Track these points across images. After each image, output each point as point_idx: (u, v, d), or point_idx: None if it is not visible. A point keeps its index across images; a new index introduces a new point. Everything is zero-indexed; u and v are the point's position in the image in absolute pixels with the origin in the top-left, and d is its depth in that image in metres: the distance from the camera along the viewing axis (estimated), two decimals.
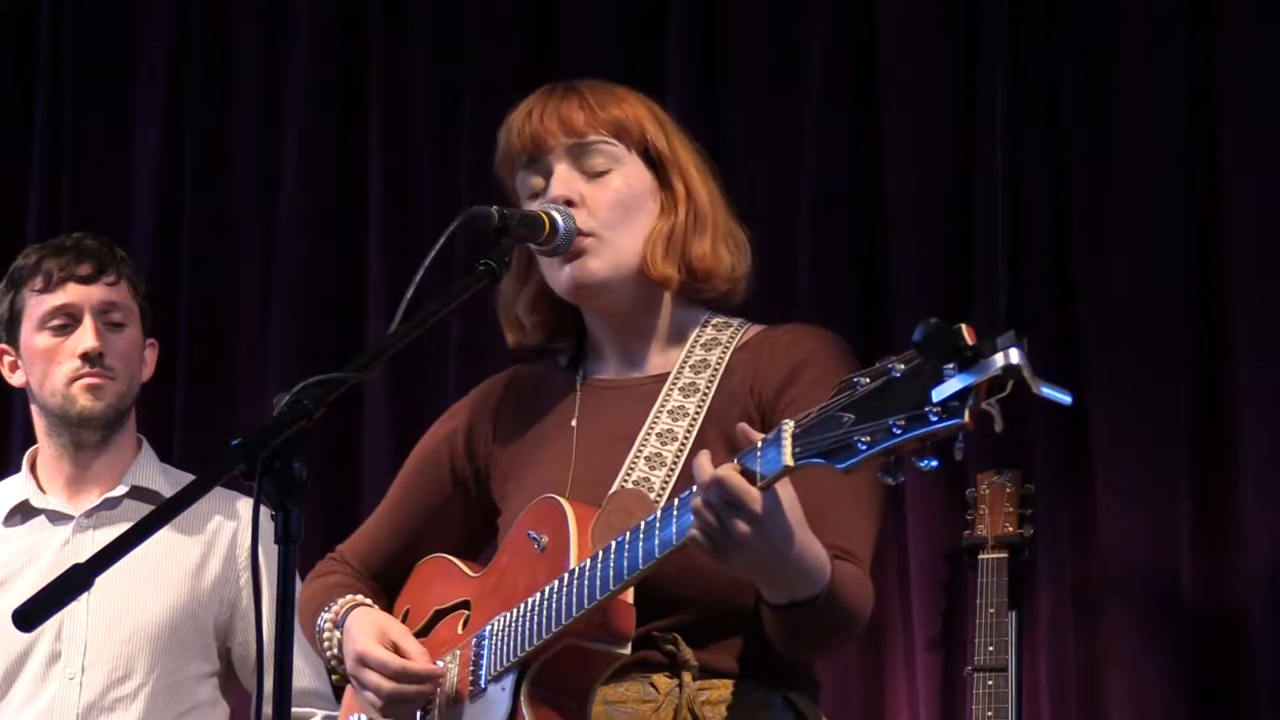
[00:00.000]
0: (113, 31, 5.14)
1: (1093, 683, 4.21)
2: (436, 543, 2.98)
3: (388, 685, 2.77)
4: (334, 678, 2.92)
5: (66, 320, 3.75)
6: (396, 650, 2.79)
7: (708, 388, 2.79)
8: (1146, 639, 4.18)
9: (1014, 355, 2.14)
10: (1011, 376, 2.15)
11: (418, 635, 2.87)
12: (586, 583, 2.57)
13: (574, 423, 2.85)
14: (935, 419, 2.20)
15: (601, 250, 2.79)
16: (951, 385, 2.18)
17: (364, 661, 2.79)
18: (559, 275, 2.82)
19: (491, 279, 2.73)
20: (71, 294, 3.75)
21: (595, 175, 2.82)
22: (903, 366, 2.25)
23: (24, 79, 5.17)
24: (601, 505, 2.69)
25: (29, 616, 2.33)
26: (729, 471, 2.40)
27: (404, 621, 2.91)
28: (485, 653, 2.72)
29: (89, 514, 3.79)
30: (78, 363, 3.73)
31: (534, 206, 2.82)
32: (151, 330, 3.90)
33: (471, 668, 2.73)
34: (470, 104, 4.84)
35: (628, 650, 2.62)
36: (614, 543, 2.56)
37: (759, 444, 2.40)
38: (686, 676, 2.66)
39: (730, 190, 4.50)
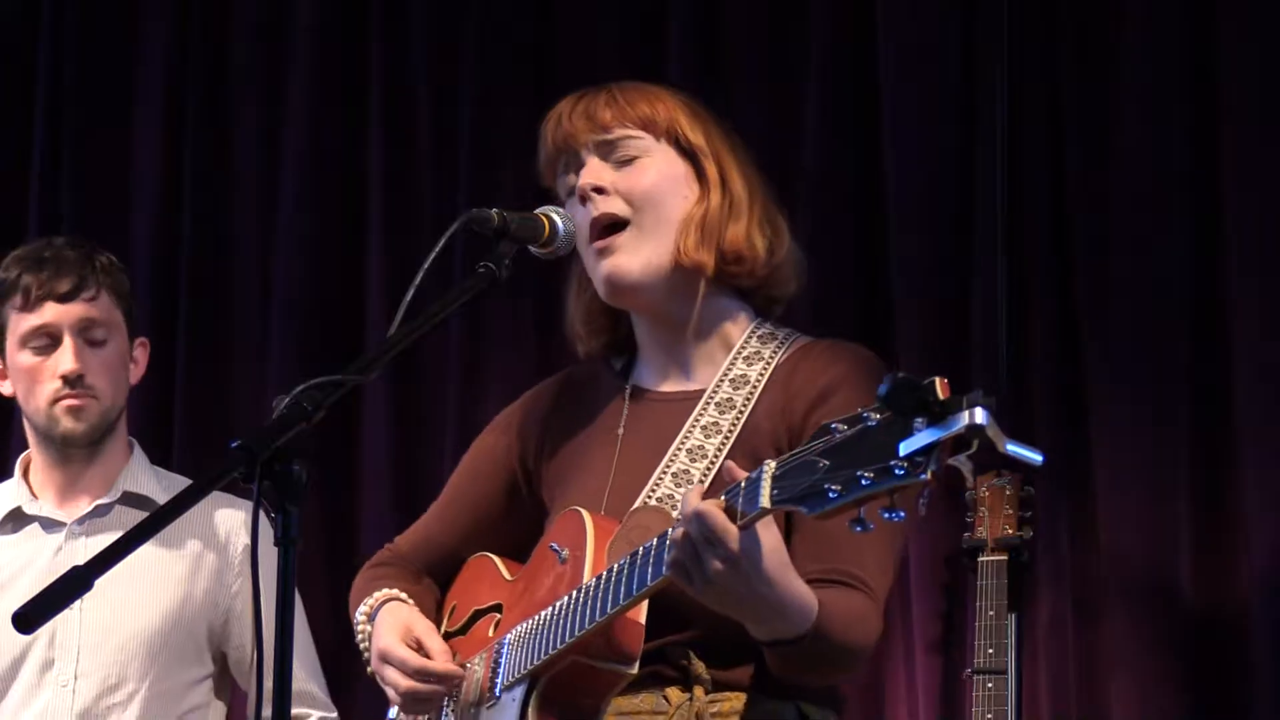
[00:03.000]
0: (113, 32, 5.14)
1: (1092, 684, 4.21)
2: (487, 541, 2.99)
3: (404, 683, 2.79)
4: (369, 670, 2.93)
5: (47, 340, 3.72)
6: (420, 646, 2.81)
7: (744, 405, 2.78)
8: (1146, 640, 4.18)
9: (979, 415, 2.13)
10: (976, 436, 2.14)
11: (458, 633, 2.89)
12: (594, 601, 2.58)
13: (620, 431, 2.86)
14: (900, 473, 2.19)
15: (632, 245, 2.79)
16: (919, 440, 2.17)
17: (385, 658, 2.81)
18: (597, 276, 2.83)
19: (490, 282, 2.74)
20: (50, 313, 3.71)
21: (622, 163, 2.82)
22: (878, 416, 2.24)
23: (24, 80, 5.16)
24: (623, 520, 2.69)
25: (29, 619, 2.33)
26: (711, 507, 2.40)
27: (450, 618, 2.93)
28: (503, 660, 2.73)
29: (81, 521, 3.78)
30: (59, 383, 3.71)
31: (578, 207, 2.83)
32: (146, 328, 3.88)
33: (491, 673, 2.75)
34: (470, 104, 4.84)
35: (634, 670, 2.63)
36: (623, 561, 2.56)
37: (742, 482, 2.41)
38: (698, 690, 2.66)
39: None
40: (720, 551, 2.41)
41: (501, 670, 2.73)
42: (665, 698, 2.67)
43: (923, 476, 2.18)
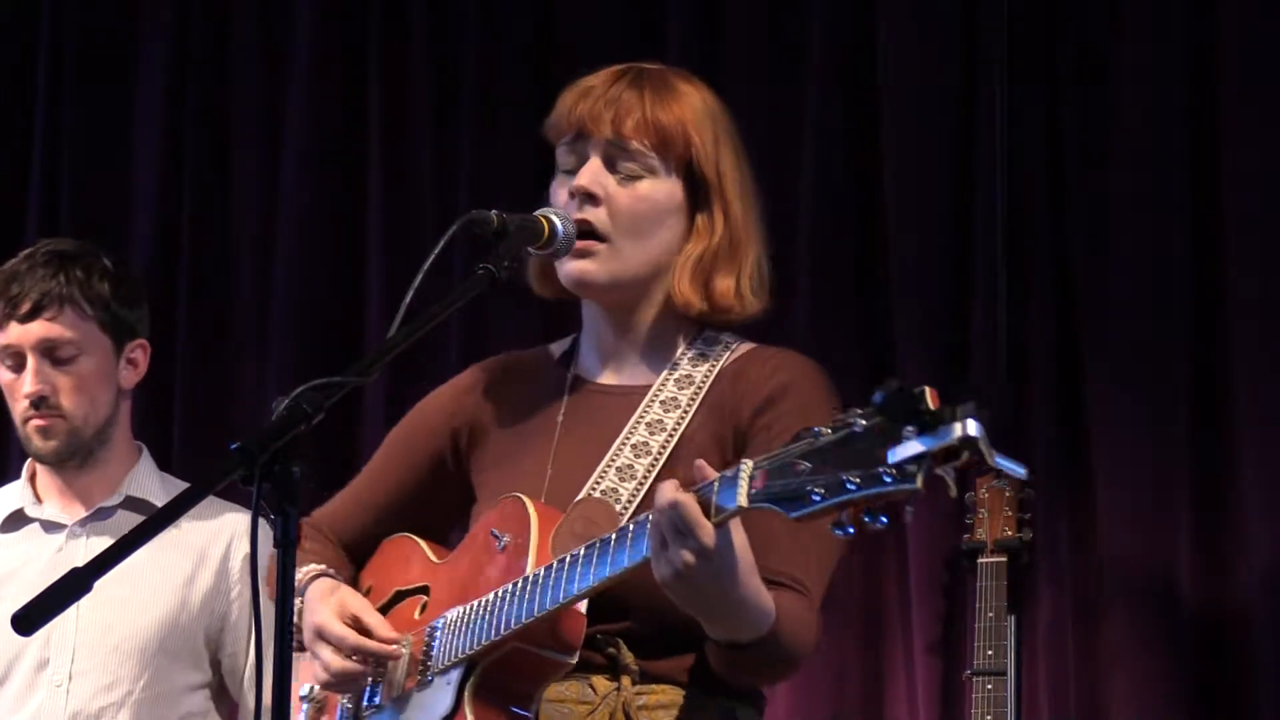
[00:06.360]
0: (113, 31, 5.14)
1: (1092, 685, 4.21)
2: (409, 520, 2.96)
3: (337, 662, 2.75)
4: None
5: (16, 360, 3.72)
6: (357, 623, 2.76)
7: (689, 405, 2.79)
8: (1146, 641, 4.18)
9: (971, 427, 2.14)
10: (967, 448, 2.15)
11: (379, 612, 2.84)
12: (540, 591, 2.58)
13: (559, 420, 2.85)
14: (889, 480, 2.20)
15: (607, 259, 2.78)
16: (909, 449, 2.17)
17: (321, 635, 2.76)
18: (562, 267, 2.82)
19: (490, 283, 2.73)
20: (12, 334, 3.71)
21: (626, 178, 2.80)
22: (864, 422, 2.24)
23: (24, 79, 5.16)
24: (566, 511, 2.69)
25: (28, 620, 2.32)
26: (688, 499, 2.40)
27: (367, 597, 2.88)
28: (436, 644, 2.72)
29: (82, 523, 3.78)
30: (26, 403, 3.71)
31: (564, 188, 2.81)
32: (149, 329, 3.86)
33: (423, 657, 2.74)
34: (470, 104, 4.85)
35: (574, 660, 2.64)
36: (572, 554, 2.57)
37: (716, 480, 2.40)
38: (625, 680, 2.67)
39: None
40: (692, 544, 2.40)
41: (435, 653, 2.71)
42: (591, 686, 2.67)
43: (911, 485, 2.18)
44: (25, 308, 3.70)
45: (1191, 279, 4.26)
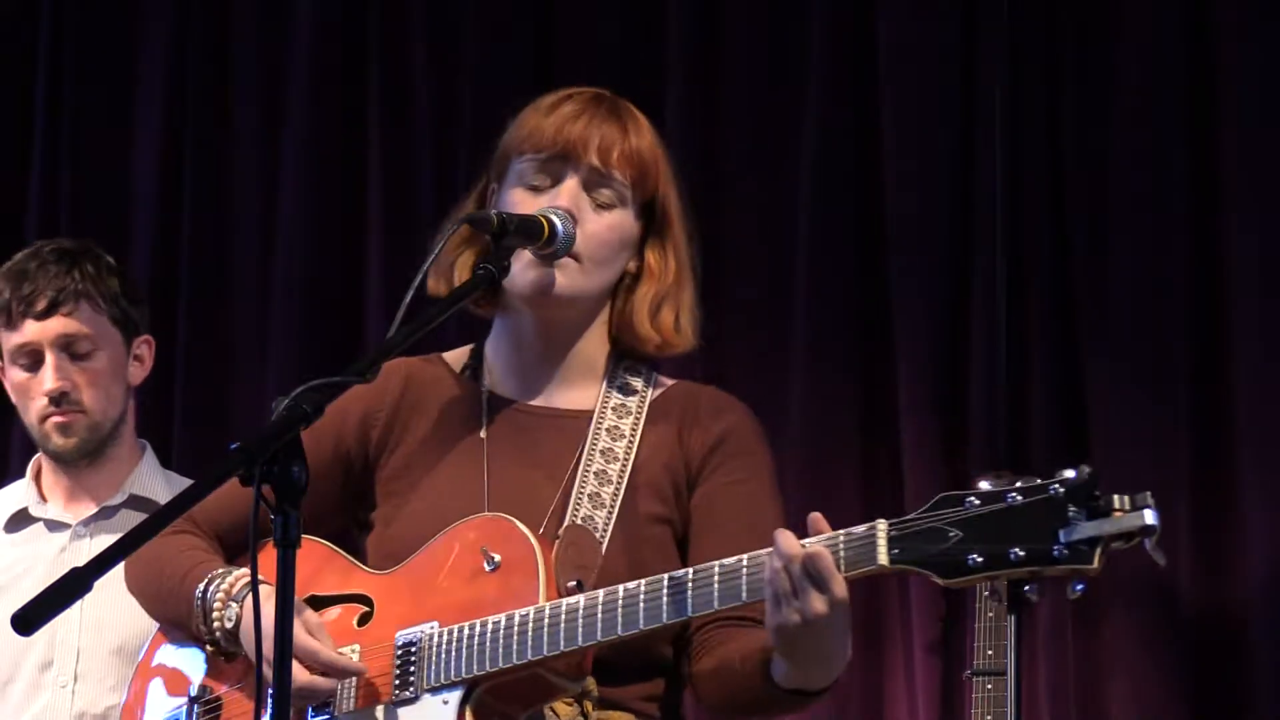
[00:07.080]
0: (113, 31, 5.14)
1: (1092, 685, 4.21)
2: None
3: (304, 677, 2.70)
4: (208, 649, 2.87)
5: (31, 358, 3.71)
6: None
7: (632, 434, 2.82)
8: (1146, 641, 4.19)
9: (1150, 516, 2.29)
10: (1145, 536, 2.30)
11: None
12: (585, 623, 2.59)
13: (483, 435, 2.84)
14: (1060, 557, 2.32)
15: (575, 275, 2.78)
16: (1083, 530, 2.32)
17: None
18: (527, 274, 2.79)
19: (490, 283, 2.73)
20: (29, 332, 3.69)
21: (600, 206, 2.81)
22: (1020, 497, 2.36)
23: (24, 79, 5.16)
24: (558, 537, 2.69)
25: (28, 620, 2.32)
26: (825, 551, 2.45)
27: None
28: (422, 661, 2.69)
29: (85, 522, 3.78)
30: (45, 401, 3.69)
31: (529, 203, 2.80)
32: (149, 326, 3.86)
33: (398, 672, 2.70)
34: (470, 104, 4.85)
35: (580, 686, 2.66)
36: (627, 589, 2.59)
37: (840, 535, 2.46)
38: (587, 705, 2.69)
39: (730, 190, 4.53)
40: (826, 594, 2.45)
41: (422, 671, 2.68)
42: (554, 710, 2.68)
43: (1088, 565, 2.33)
44: (41, 304, 3.70)
45: (1191, 279, 4.26)
